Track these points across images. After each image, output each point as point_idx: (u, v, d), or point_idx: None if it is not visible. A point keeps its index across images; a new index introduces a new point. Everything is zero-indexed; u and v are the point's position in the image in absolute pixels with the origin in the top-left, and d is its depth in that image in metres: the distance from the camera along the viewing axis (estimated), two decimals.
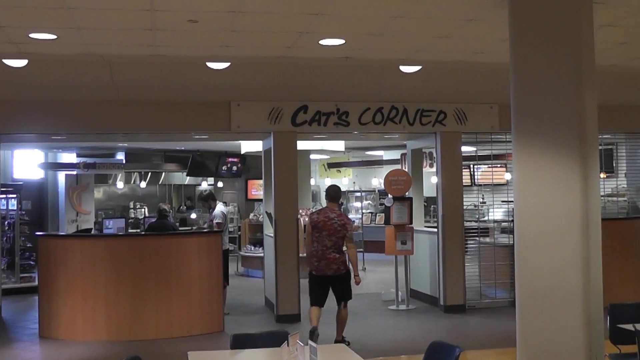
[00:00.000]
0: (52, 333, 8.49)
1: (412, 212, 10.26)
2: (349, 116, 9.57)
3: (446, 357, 4.07)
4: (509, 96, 5.19)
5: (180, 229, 15.45)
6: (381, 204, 17.64)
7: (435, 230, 10.25)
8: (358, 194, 18.65)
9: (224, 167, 17.66)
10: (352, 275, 7.67)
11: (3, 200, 12.04)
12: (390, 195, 10.32)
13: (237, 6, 5.70)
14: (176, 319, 8.55)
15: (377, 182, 18.71)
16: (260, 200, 14.36)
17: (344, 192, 17.66)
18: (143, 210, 17.58)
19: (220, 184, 19.17)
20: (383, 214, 15.59)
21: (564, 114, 4.87)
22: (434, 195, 10.70)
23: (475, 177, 15.76)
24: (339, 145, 14.42)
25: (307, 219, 13.41)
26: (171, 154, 17.54)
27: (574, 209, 4.81)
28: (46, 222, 16.00)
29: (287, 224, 9.42)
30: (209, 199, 10.22)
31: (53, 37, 6.53)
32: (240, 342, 4.53)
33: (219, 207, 10.08)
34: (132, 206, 17.87)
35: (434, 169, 13.32)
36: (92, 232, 12.89)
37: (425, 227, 11.49)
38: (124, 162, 16.37)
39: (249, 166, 18.78)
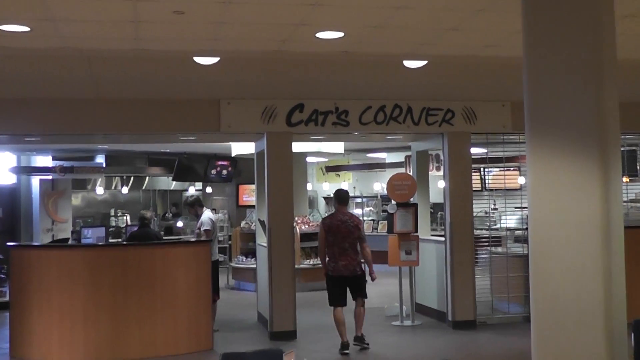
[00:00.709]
0: (25, 353, 8.45)
1: (418, 220, 10.24)
2: (348, 115, 9.57)
3: None
4: (522, 93, 5.17)
5: (166, 238, 15.46)
6: (384, 211, 17.63)
7: (443, 239, 10.24)
8: (359, 200, 18.65)
9: (213, 171, 17.62)
10: (369, 273, 8.79)
11: None
12: (393, 201, 10.30)
13: None
14: (161, 336, 8.52)
15: (379, 187, 18.71)
16: (253, 206, 14.33)
17: (348, 193, 17.59)
18: (125, 218, 17.54)
19: (209, 189, 19.16)
20: (386, 222, 15.56)
21: (582, 112, 4.85)
22: (441, 201, 10.68)
23: (486, 181, 15.76)
24: (337, 147, 14.40)
25: (301, 227, 13.42)
26: (155, 156, 17.52)
27: (594, 216, 4.80)
28: (19, 232, 15.94)
29: (281, 232, 9.40)
30: (196, 205, 10.20)
31: (26, 29, 6.51)
32: None
33: (207, 214, 10.05)
34: (113, 214, 17.84)
35: (441, 173, 13.32)
36: (69, 242, 12.83)
37: (432, 235, 11.46)
38: (104, 165, 16.33)
39: (240, 170, 18.75)
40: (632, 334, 5.19)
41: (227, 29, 6.70)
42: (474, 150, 10.60)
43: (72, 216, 16.22)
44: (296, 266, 10.08)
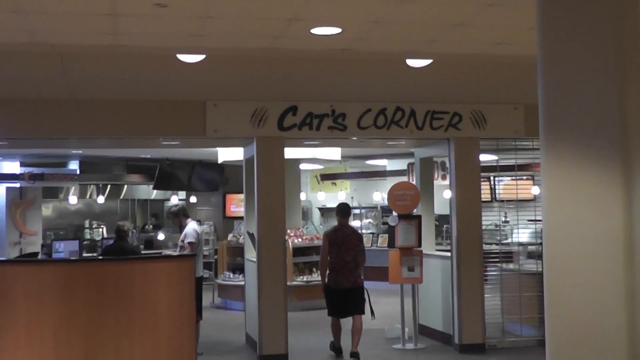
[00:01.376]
0: None
1: (421, 233, 10.22)
2: (346, 119, 9.55)
3: None
4: (536, 95, 5.16)
5: (146, 252, 15.39)
6: (384, 224, 17.60)
7: (449, 254, 10.22)
8: (357, 211, 18.63)
9: (198, 179, 17.58)
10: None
11: None
12: (394, 213, 10.28)
13: None
14: None
15: (379, 197, 18.70)
16: (241, 218, 14.28)
17: (350, 207, 17.64)
18: (101, 230, 17.48)
19: (193, 199, 19.13)
20: (386, 235, 15.51)
21: (603, 116, 4.84)
22: (447, 212, 10.67)
23: (496, 191, 15.76)
24: (334, 153, 14.39)
25: (294, 241, 13.40)
26: (135, 163, 17.47)
27: (616, 230, 4.78)
28: None
29: (272, 246, 9.37)
30: (180, 215, 10.17)
31: None
32: None
33: (192, 225, 10.02)
34: (87, 225, 17.77)
35: (447, 182, 13.30)
36: (39, 256, 12.77)
37: (437, 250, 11.44)
38: (78, 172, 16.29)
39: (227, 178, 18.70)
40: None
41: (214, 24, 6.68)
42: (483, 158, 10.59)
43: (42, 228, 16.16)
44: (288, 283, 10.05)
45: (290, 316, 9.58)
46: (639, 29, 4.98)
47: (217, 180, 18.04)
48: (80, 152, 15.05)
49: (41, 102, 8.87)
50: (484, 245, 10.22)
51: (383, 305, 14.05)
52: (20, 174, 15.40)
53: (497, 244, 11.25)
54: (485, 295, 9.99)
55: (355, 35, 7.19)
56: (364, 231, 17.30)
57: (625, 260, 4.76)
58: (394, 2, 6.15)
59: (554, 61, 5.06)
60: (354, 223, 18.29)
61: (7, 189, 15.66)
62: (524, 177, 14.81)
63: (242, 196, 12.75)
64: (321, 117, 9.50)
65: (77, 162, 16.41)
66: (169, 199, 19.12)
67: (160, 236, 17.19)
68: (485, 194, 14.85)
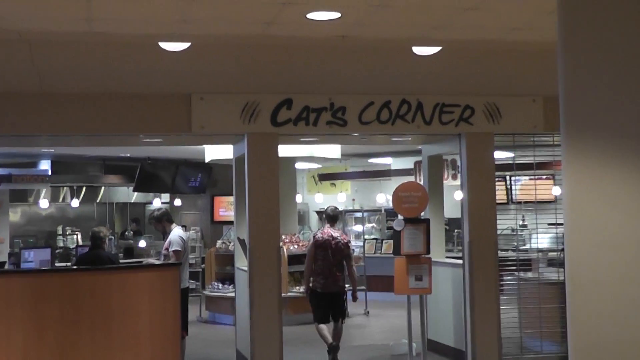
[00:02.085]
0: None
1: (430, 239, 10.21)
2: (346, 113, 9.55)
3: None
4: (556, 86, 5.16)
5: (126, 260, 15.37)
6: (389, 228, 17.57)
7: (460, 262, 10.22)
8: (358, 215, 18.62)
9: (183, 181, 17.57)
10: (352, 293, 10.42)
11: None
12: (400, 217, 10.27)
13: None
14: None
15: (383, 199, 18.69)
16: (231, 223, 14.28)
17: (340, 211, 17.67)
18: (75, 237, 17.47)
19: (177, 202, 19.12)
20: (391, 241, 15.51)
21: (631, 108, 4.83)
22: (458, 216, 10.67)
23: (513, 192, 15.76)
24: (333, 151, 14.39)
25: (290, 248, 13.40)
26: (113, 162, 17.46)
27: None
28: None
29: (265, 254, 9.36)
30: (164, 220, 10.16)
31: None
32: None
33: (177, 232, 10.01)
34: (60, 232, 17.76)
35: (458, 182, 13.31)
36: (6, 266, 12.77)
37: (447, 258, 11.43)
38: (49, 173, 16.27)
39: (215, 179, 18.70)
40: None
41: (199, 9, 6.67)
42: (498, 155, 10.59)
43: (9, 235, 16.12)
44: (283, 295, 10.03)
45: (285, 331, 9.57)
46: None
47: (204, 181, 18.03)
48: (52, 150, 15.03)
49: (8, 96, 8.85)
50: (499, 251, 10.21)
51: (388, 318, 14.06)
52: None
53: (514, 251, 11.24)
54: (501, 307, 9.97)
55: (356, 20, 7.18)
56: (366, 237, 17.32)
57: None
58: None
59: (576, 48, 5.06)
60: (356, 228, 18.32)
61: None
62: (544, 177, 14.82)
63: (231, 199, 12.74)
64: (319, 111, 9.49)
65: (49, 161, 16.40)
66: (151, 203, 19.11)
67: (142, 243, 17.18)
68: (501, 196, 14.86)
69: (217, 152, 13.88)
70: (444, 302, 10.66)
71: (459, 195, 11.41)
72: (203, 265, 15.59)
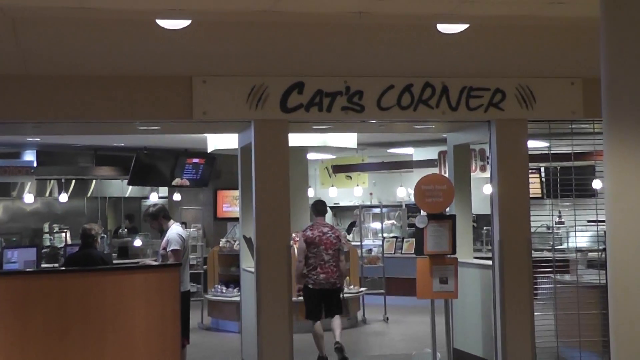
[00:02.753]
0: None
1: (456, 237, 10.20)
2: (363, 97, 9.54)
3: None
4: (598, 67, 5.13)
5: (119, 261, 15.41)
6: (410, 225, 17.57)
7: (490, 263, 10.21)
8: (376, 211, 18.59)
9: (183, 173, 17.60)
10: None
11: None
12: (423, 213, 10.27)
13: None
14: None
15: (404, 193, 18.67)
16: (236, 219, 14.29)
17: (357, 206, 17.70)
18: (64, 235, 17.51)
19: (177, 197, 19.13)
20: (413, 240, 15.49)
21: None
22: (488, 212, 10.64)
23: (549, 185, 15.70)
24: (349, 140, 14.38)
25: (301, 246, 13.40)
26: (105, 153, 17.52)
27: None
28: None
29: (274, 254, 9.38)
30: (160, 217, 10.16)
31: None
32: None
33: (175, 229, 10.02)
34: (47, 229, 17.80)
35: (487, 174, 13.26)
36: None
37: (475, 258, 11.42)
38: (34, 165, 16.32)
39: (219, 171, 18.73)
40: None
41: None
42: (532, 144, 10.55)
43: None
44: (293, 299, 10.03)
45: (296, 339, 9.59)
46: None
47: (206, 173, 18.05)
48: (37, 139, 15.08)
49: None
50: (533, 251, 10.20)
51: (409, 325, 14.06)
52: None
53: (549, 250, 11.23)
54: (535, 314, 9.96)
55: None
56: (385, 235, 17.29)
57: None
58: None
59: (621, 24, 5.03)
60: (374, 225, 18.30)
61: None
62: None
63: (236, 193, 12.75)
64: (333, 96, 9.49)
65: (34, 152, 16.46)
66: (147, 197, 19.15)
67: (137, 242, 17.22)
68: (535, 189, 14.85)
69: (221, 141, 13.89)
70: (471, 308, 10.65)
71: (488, 189, 11.38)
72: (205, 267, 15.61)
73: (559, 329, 10.24)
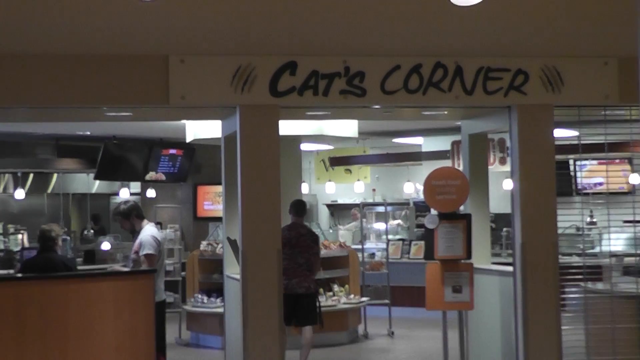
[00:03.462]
0: None
1: (471, 240, 10.23)
2: (365, 80, 9.55)
3: None
4: (635, 44, 5.15)
5: (85, 267, 15.42)
6: (419, 226, 17.58)
7: (510, 269, 10.23)
8: (380, 209, 18.58)
9: (158, 166, 17.59)
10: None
11: None
12: (433, 211, 10.28)
13: None
14: None
15: (411, 188, 18.69)
16: (219, 219, 14.31)
17: (358, 204, 17.71)
18: (20, 237, 17.49)
19: (151, 193, 19.16)
20: (422, 243, 15.50)
21: None
22: (508, 210, 10.67)
23: (579, 180, 15.74)
24: (348, 128, 14.40)
25: None
26: (68, 142, 17.51)
27: None
28: None
29: (263, 258, 9.37)
30: (132, 216, 10.18)
31: None
32: None
33: (149, 230, 10.03)
34: (1, 231, 17.78)
35: (507, 167, 13.29)
36: None
37: (493, 264, 11.44)
38: None
39: (199, 163, 18.74)
40: None
41: None
42: (559, 133, 10.56)
43: None
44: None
45: (289, 356, 9.60)
46: None
47: (185, 166, 18.05)
48: None
49: None
50: (560, 256, 10.20)
51: (418, 341, 14.08)
52: None
53: (579, 255, 11.26)
54: (563, 327, 9.97)
55: None
56: (390, 237, 17.32)
57: None
58: None
59: None
60: (378, 225, 18.29)
61: None
62: (617, 160, 14.81)
63: (219, 189, 12.74)
64: (330, 78, 9.48)
65: None
66: (117, 194, 19.16)
67: (105, 245, 17.24)
68: (562, 185, 14.85)
69: (202, 130, 13.89)
70: (489, 321, 10.68)
71: (508, 184, 11.41)
72: (183, 273, 15.62)
73: (590, 345, 10.26)
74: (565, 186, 15.45)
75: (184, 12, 8.29)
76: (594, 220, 13.19)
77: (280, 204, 9.58)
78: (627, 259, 11.44)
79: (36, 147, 17.54)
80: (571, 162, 15.79)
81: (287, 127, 11.55)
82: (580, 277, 10.56)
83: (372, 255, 16.76)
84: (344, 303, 13.92)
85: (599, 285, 10.78)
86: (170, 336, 12.40)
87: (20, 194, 17.56)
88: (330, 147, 18.97)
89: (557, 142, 10.16)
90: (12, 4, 7.95)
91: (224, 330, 10.91)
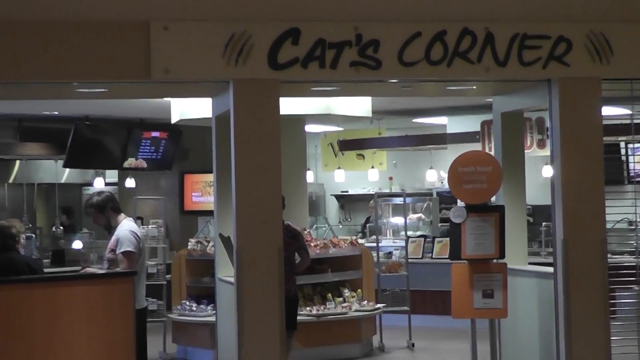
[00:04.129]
0: None
1: (505, 236, 10.24)
2: (379, 49, 9.56)
3: None
4: None
5: (52, 269, 15.44)
6: (443, 220, 17.61)
7: (551, 270, 10.25)
8: (398, 201, 18.64)
9: (139, 151, 17.62)
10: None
11: None
12: (460, 203, 10.30)
13: None
14: None
15: (434, 177, 18.73)
16: (210, 213, 14.34)
17: (373, 194, 17.75)
18: None
19: (130, 183, 19.20)
20: (447, 240, 15.51)
21: None
22: (548, 202, 10.68)
23: (631, 166, 15.74)
24: (361, 106, 14.41)
25: None
26: (33, 124, 17.55)
27: None
28: None
29: (261, 258, 9.41)
30: (107, 209, 10.20)
31: None
32: None
33: (127, 225, 10.06)
34: None
35: (546, 151, 13.29)
36: None
37: (531, 264, 11.45)
38: None
39: (186, 148, 18.77)
40: None
41: None
42: (608, 111, 10.56)
43: None
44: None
45: None
46: None
47: (170, 152, 18.08)
48: None
49: None
50: (609, 255, 10.22)
51: (442, 354, 14.13)
52: None
53: (632, 254, 11.27)
54: (613, 337, 10.00)
55: None
56: (410, 233, 17.34)
57: None
58: None
59: None
60: (395, 220, 18.31)
61: None
62: None
63: (210, 177, 12.77)
64: (339, 47, 9.50)
65: None
66: (90, 184, 19.21)
67: (77, 244, 17.29)
68: (612, 172, 14.85)
69: (189, 109, 13.91)
70: (525, 330, 10.72)
71: (548, 171, 11.42)
72: (168, 276, 15.66)
73: None
74: (616, 173, 15.45)
75: None
76: None
77: (281, 195, 9.61)
78: None
79: None
80: (622, 145, 15.80)
81: (289, 106, 11.56)
82: (633, 278, 10.58)
83: (389, 254, 16.72)
84: (357, 310, 13.90)
85: None
86: (152, 350, 12.45)
87: None
88: (340, 129, 19.02)
89: (605, 122, 10.17)
90: None
91: (216, 342, 10.97)
